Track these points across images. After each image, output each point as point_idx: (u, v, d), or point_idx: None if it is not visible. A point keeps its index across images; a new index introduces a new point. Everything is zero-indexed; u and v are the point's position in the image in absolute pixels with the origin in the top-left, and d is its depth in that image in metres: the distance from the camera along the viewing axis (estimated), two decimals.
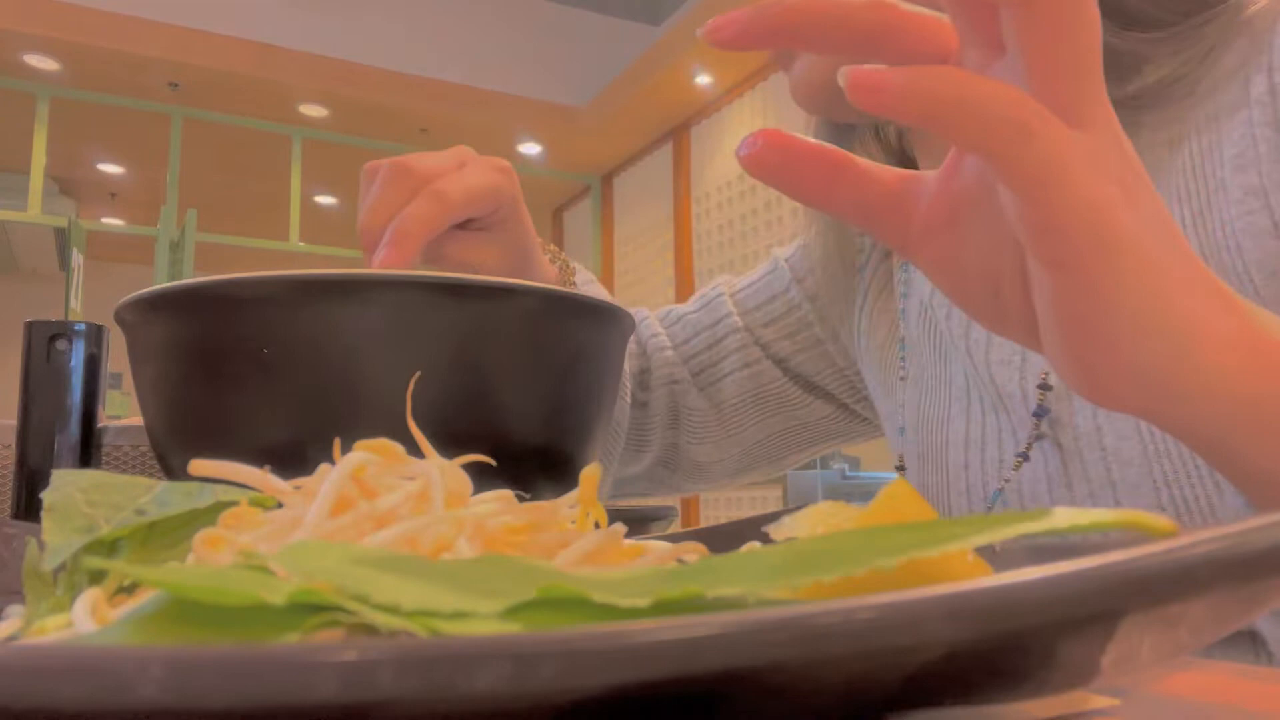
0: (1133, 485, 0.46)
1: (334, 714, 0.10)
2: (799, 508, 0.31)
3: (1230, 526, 0.14)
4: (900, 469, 0.61)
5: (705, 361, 0.75)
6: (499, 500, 0.23)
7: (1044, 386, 0.50)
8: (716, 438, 0.75)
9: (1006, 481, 0.52)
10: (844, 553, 0.15)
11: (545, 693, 0.10)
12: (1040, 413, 0.50)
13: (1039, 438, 0.50)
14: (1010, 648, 0.13)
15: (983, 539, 0.15)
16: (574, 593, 0.14)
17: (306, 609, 0.14)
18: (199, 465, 0.24)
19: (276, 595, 0.13)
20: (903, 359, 0.63)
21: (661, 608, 0.14)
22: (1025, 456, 0.50)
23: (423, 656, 0.10)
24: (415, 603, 0.14)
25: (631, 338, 0.72)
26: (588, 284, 0.67)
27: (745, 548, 0.22)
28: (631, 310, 0.74)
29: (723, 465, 0.77)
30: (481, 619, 0.13)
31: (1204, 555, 0.13)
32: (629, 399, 0.74)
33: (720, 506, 3.48)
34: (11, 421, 0.55)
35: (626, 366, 0.70)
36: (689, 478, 0.79)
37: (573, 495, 0.23)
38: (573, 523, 0.24)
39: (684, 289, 3.81)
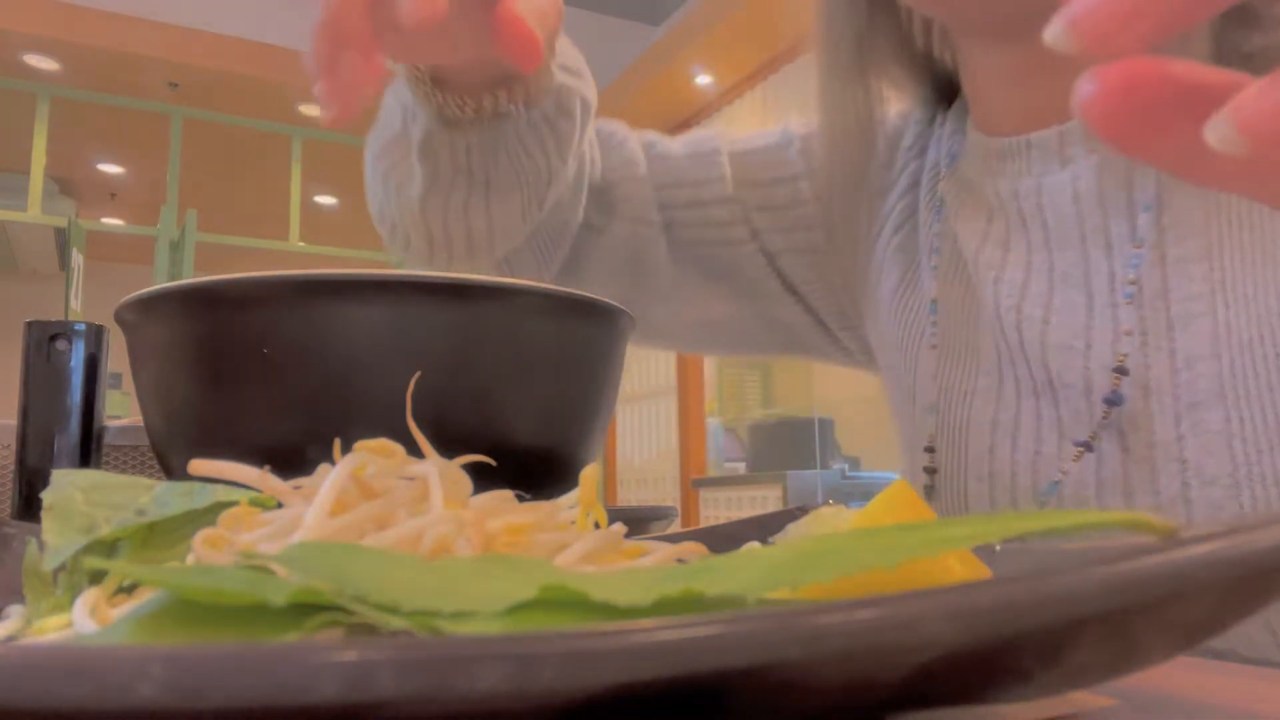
0: (1215, 506, 0.41)
1: (334, 714, 0.10)
2: (800, 509, 0.31)
3: (1230, 526, 0.14)
4: (930, 450, 0.54)
5: (682, 220, 0.63)
6: (499, 500, 0.23)
7: (1120, 370, 0.44)
8: (675, 304, 0.65)
9: (1065, 474, 0.46)
10: (843, 553, 0.15)
11: (545, 693, 0.10)
12: (1114, 400, 0.44)
13: (1106, 427, 0.45)
14: (1010, 648, 0.13)
15: (981, 540, 0.15)
16: (573, 592, 0.14)
17: (307, 609, 0.14)
18: (199, 465, 0.24)
19: (277, 595, 0.14)
20: (934, 324, 0.55)
21: (661, 607, 0.14)
22: (1088, 446, 0.45)
23: (423, 656, 0.10)
24: (415, 603, 0.14)
25: (590, 138, 0.60)
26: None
27: (745, 548, 0.22)
28: (605, 123, 0.64)
29: (675, 334, 0.68)
30: (482, 619, 0.13)
31: (1203, 557, 0.13)
32: (578, 216, 0.61)
33: (720, 506, 3.48)
34: (11, 421, 0.55)
35: (573, 171, 0.57)
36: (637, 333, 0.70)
37: (573, 495, 0.23)
38: (573, 523, 0.24)
39: None
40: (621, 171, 0.63)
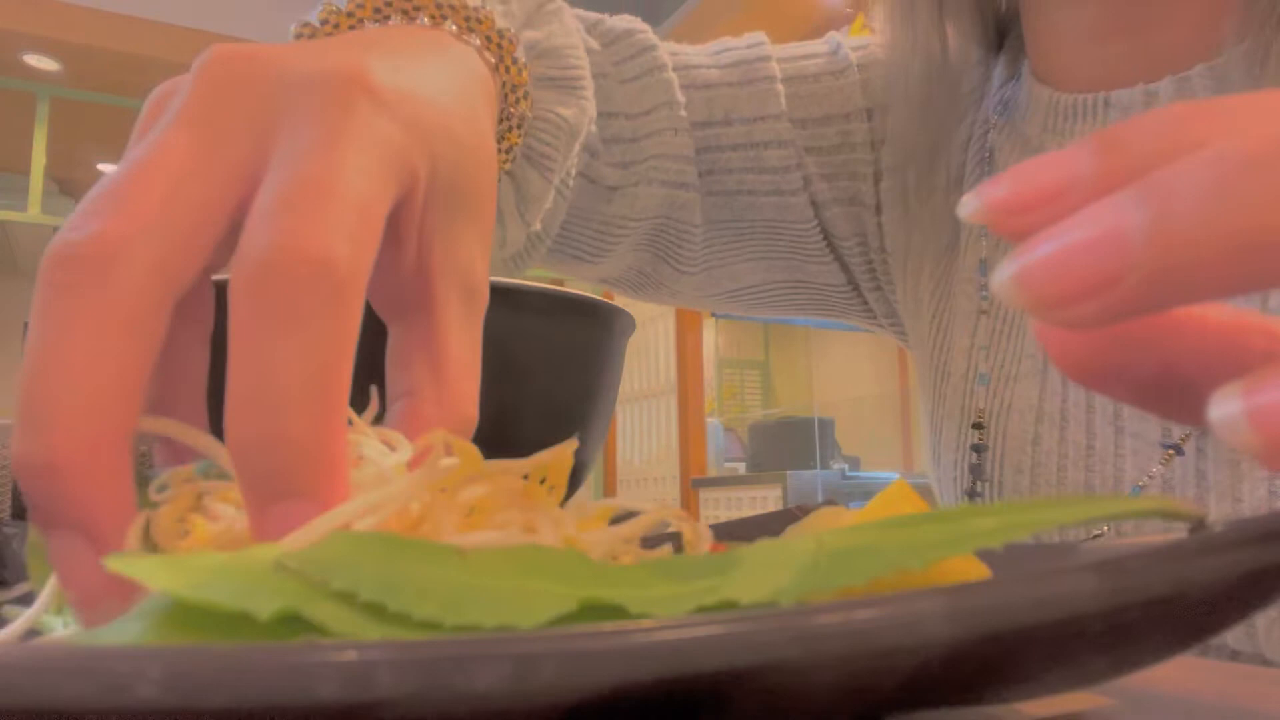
0: None
1: (334, 714, 0.10)
2: (800, 509, 0.31)
3: (1230, 526, 0.14)
4: (979, 426, 0.49)
5: (724, 165, 0.52)
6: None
7: None
8: (699, 279, 0.56)
9: (1150, 478, 0.42)
10: (874, 553, 0.15)
11: (545, 693, 0.10)
12: None
13: (1202, 433, 0.41)
14: (1010, 648, 0.13)
15: (1016, 533, 0.15)
16: (612, 606, 0.14)
17: (294, 622, 0.14)
18: (146, 422, 0.22)
19: (262, 609, 0.13)
20: (985, 286, 0.50)
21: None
22: (1179, 450, 0.42)
23: (422, 657, 0.10)
24: (461, 616, 0.13)
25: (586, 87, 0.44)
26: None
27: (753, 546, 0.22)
28: (628, 35, 0.50)
29: (700, 299, 0.60)
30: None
31: (1204, 556, 0.13)
32: (559, 218, 0.46)
33: (720, 506, 3.48)
34: (11, 421, 0.55)
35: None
36: (649, 295, 0.59)
37: (536, 460, 0.22)
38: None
39: None
40: (653, 122, 0.50)
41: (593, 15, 0.50)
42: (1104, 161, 0.16)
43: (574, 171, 0.46)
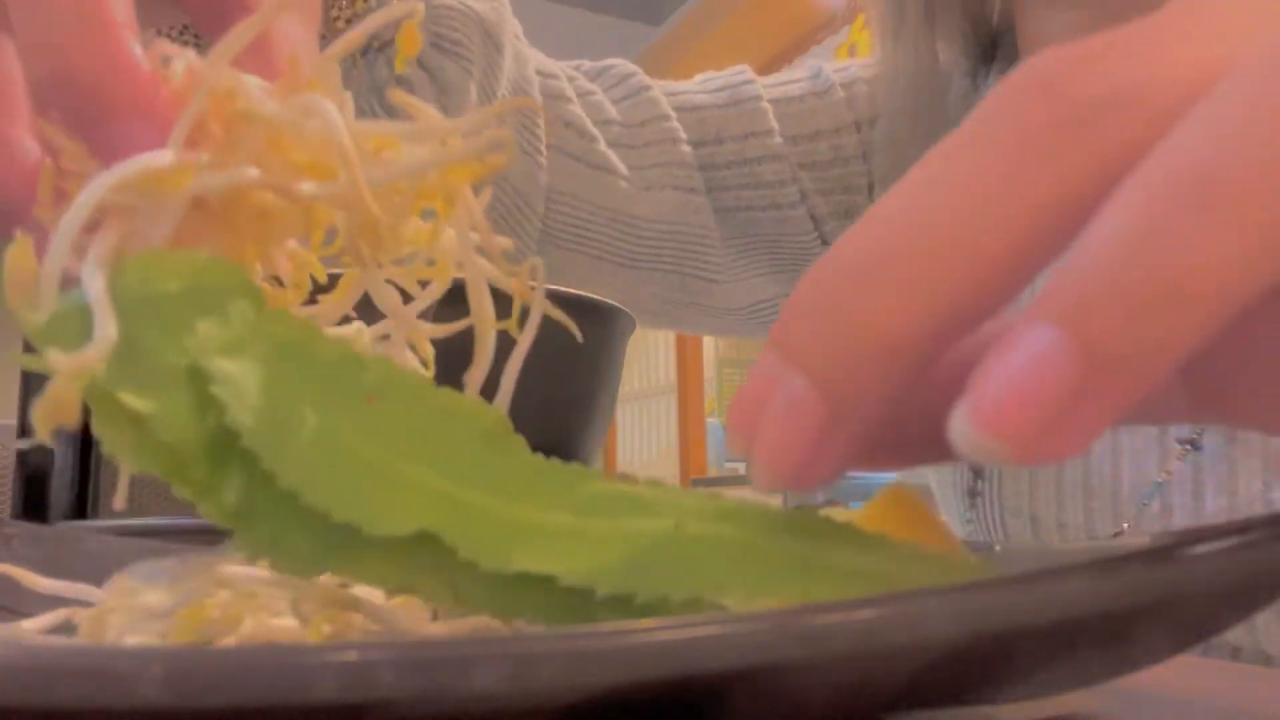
0: None
1: (334, 714, 0.10)
2: (799, 509, 0.31)
3: (1230, 527, 0.14)
4: None
5: (723, 182, 0.55)
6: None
7: None
8: (725, 281, 0.57)
9: (1169, 474, 0.42)
10: (712, 561, 0.15)
11: (545, 693, 0.10)
12: None
13: (1200, 432, 0.41)
14: (1010, 648, 0.13)
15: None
16: (446, 541, 0.14)
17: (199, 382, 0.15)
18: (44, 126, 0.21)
19: (180, 359, 0.15)
20: None
21: (522, 578, 0.14)
22: (1196, 445, 0.41)
23: (422, 656, 0.10)
24: (313, 495, 0.14)
25: (571, 81, 0.53)
26: None
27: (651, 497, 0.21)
28: (612, 64, 0.56)
29: (732, 316, 0.60)
30: (357, 545, 0.14)
31: (1204, 557, 0.13)
32: (540, 180, 0.50)
33: None
34: (11, 422, 0.55)
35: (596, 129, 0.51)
36: (687, 322, 0.61)
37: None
38: None
39: None
40: (649, 133, 0.53)
41: (570, 62, 0.55)
42: (777, 358, 0.15)
43: (537, 91, 0.48)
